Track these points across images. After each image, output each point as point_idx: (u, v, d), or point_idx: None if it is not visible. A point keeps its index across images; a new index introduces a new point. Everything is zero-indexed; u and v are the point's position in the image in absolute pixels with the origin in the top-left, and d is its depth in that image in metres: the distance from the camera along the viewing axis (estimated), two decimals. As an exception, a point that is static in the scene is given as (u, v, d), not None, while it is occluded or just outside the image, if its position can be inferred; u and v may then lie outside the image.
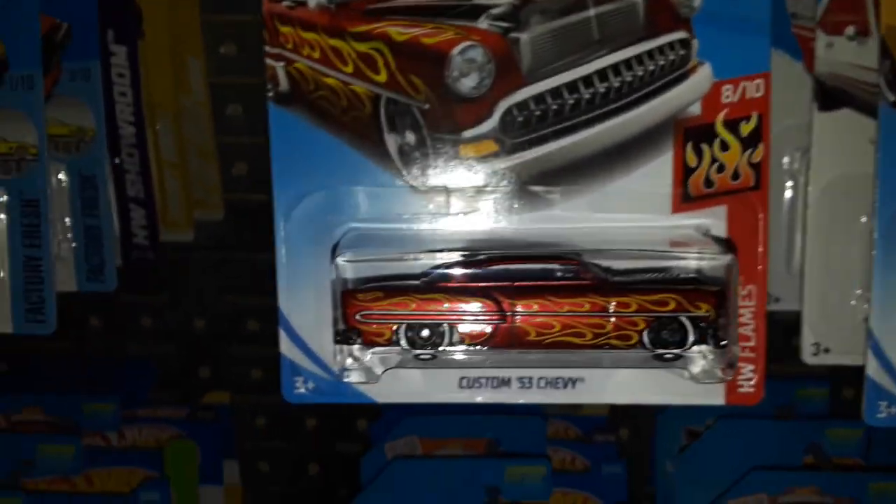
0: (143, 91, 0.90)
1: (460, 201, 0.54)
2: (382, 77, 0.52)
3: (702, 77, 0.52)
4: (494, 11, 0.51)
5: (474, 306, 0.52)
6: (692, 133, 0.53)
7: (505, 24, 0.51)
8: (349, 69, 0.53)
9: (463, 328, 0.52)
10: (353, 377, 0.54)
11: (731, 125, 0.53)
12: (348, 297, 0.53)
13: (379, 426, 1.09)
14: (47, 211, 0.70)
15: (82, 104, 0.81)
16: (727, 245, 0.53)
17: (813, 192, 0.65)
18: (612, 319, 0.52)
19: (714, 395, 0.56)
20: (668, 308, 0.52)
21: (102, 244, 0.84)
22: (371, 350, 0.54)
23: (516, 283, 0.52)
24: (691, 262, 0.53)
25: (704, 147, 0.53)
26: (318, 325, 0.55)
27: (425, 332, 0.52)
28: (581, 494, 1.04)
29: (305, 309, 0.55)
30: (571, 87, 0.52)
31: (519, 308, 0.52)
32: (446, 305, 0.52)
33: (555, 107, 0.52)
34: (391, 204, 0.54)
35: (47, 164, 0.70)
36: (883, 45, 0.55)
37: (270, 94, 0.53)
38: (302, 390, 0.56)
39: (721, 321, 0.52)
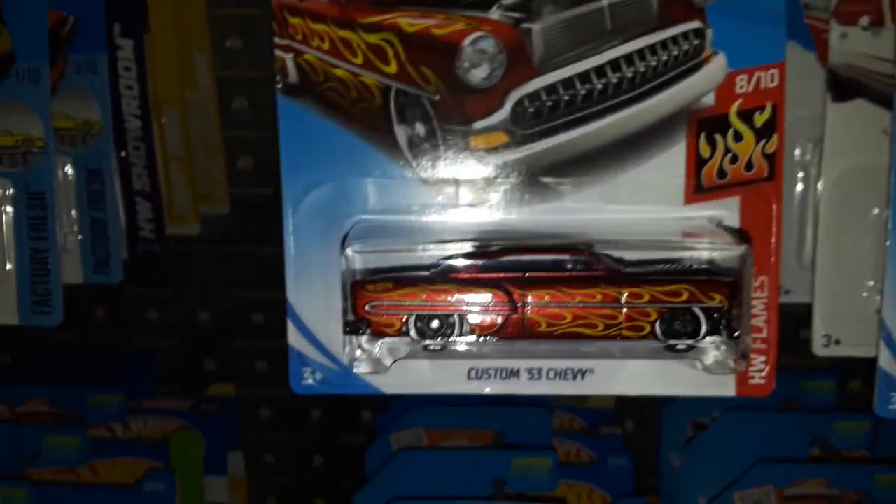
0: (149, 85, 0.90)
1: (470, 193, 0.54)
2: (392, 68, 0.52)
3: (716, 67, 0.52)
4: (506, 2, 0.51)
5: (485, 297, 0.52)
6: (706, 123, 0.52)
7: (517, 15, 0.51)
8: (359, 60, 0.52)
9: (473, 319, 0.52)
10: (362, 368, 0.54)
11: (745, 115, 0.52)
12: (358, 287, 0.52)
13: (384, 418, 1.09)
14: (53, 203, 0.70)
15: (88, 97, 0.81)
16: (741, 235, 0.53)
17: (825, 183, 0.64)
18: (624, 310, 0.51)
19: (725, 387, 0.56)
20: (681, 299, 0.51)
21: (108, 237, 0.83)
22: (380, 341, 0.53)
23: (527, 274, 0.52)
24: (704, 252, 0.53)
25: (718, 137, 0.52)
26: (326, 317, 0.55)
27: (435, 323, 0.52)
28: (586, 486, 1.04)
29: (314, 300, 0.55)
30: (584, 77, 0.51)
31: (530, 299, 0.52)
32: (456, 296, 0.52)
33: (567, 97, 0.52)
34: (400, 196, 0.54)
35: (53, 157, 0.70)
36: (898, 36, 0.55)
37: (279, 85, 0.53)
38: (310, 381, 0.56)
39: (734, 312, 0.52)
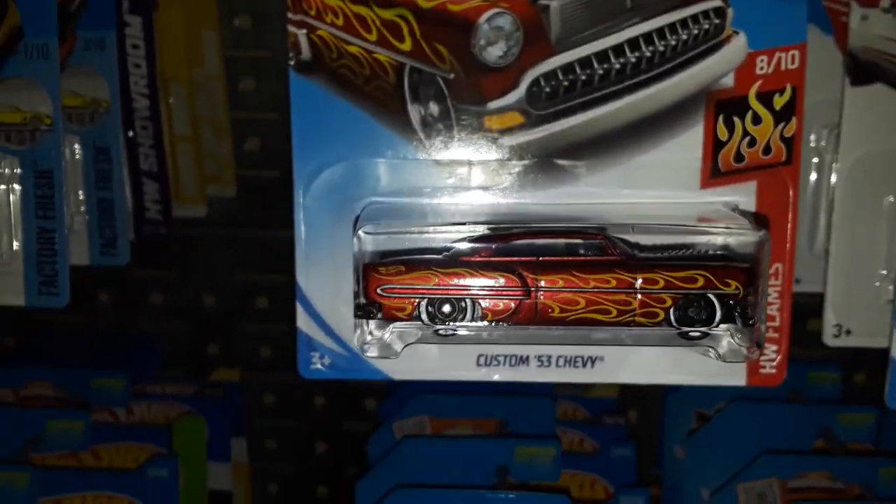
0: (157, 63, 0.89)
1: (483, 175, 0.53)
2: (407, 45, 0.51)
3: (736, 47, 0.51)
4: None
5: (498, 282, 0.51)
6: (724, 105, 0.52)
7: None
8: (373, 37, 0.51)
9: (485, 304, 0.51)
10: (373, 352, 0.53)
11: (765, 98, 0.52)
12: (370, 270, 0.52)
13: (388, 405, 1.09)
14: (61, 182, 0.69)
15: (97, 75, 0.80)
16: (758, 220, 0.52)
17: (841, 169, 0.64)
18: (639, 296, 0.51)
19: (735, 376, 0.55)
20: (696, 285, 0.51)
21: (115, 218, 0.83)
22: (391, 325, 0.53)
23: (541, 259, 0.51)
24: (720, 237, 0.52)
25: (736, 120, 0.52)
26: (335, 300, 0.54)
27: (447, 308, 0.51)
28: (589, 476, 1.04)
29: (323, 283, 0.54)
30: (601, 56, 0.51)
31: (543, 284, 0.51)
32: (469, 280, 0.51)
33: (583, 77, 0.51)
34: (413, 176, 0.53)
35: (62, 135, 0.69)
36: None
37: (292, 62, 0.52)
38: (318, 366, 0.55)
39: (750, 299, 0.51)
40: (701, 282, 0.51)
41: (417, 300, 0.51)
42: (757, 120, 0.52)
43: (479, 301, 0.51)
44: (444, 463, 0.94)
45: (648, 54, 0.52)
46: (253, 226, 1.10)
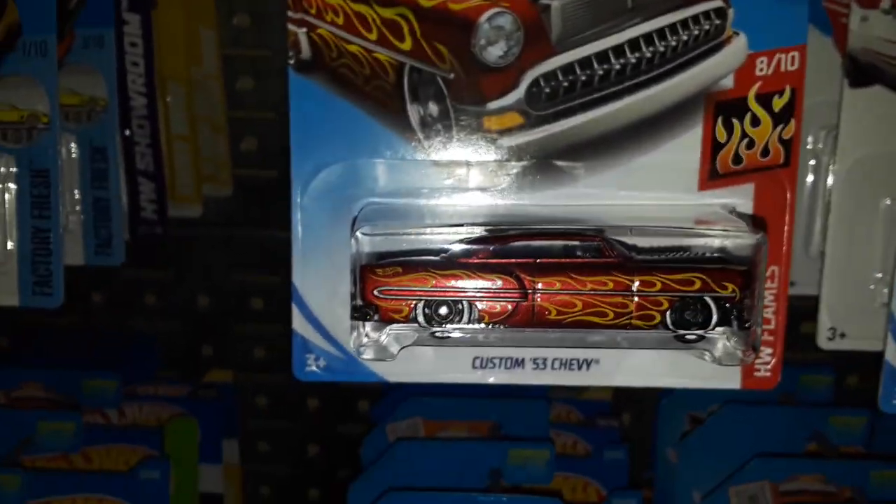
0: (155, 61, 0.88)
1: (481, 176, 0.53)
2: (407, 45, 0.51)
3: (736, 48, 0.51)
4: None
5: (495, 284, 0.51)
6: (723, 107, 0.52)
7: None
8: (373, 36, 0.51)
9: (482, 306, 0.51)
10: (369, 354, 0.53)
11: (764, 99, 0.52)
12: (367, 272, 0.52)
13: (381, 407, 1.09)
14: (57, 181, 0.68)
15: (95, 73, 0.80)
16: (755, 223, 0.52)
17: (838, 171, 0.64)
18: (636, 299, 0.51)
19: (730, 379, 0.55)
20: (693, 288, 0.51)
21: (111, 217, 0.82)
22: (387, 327, 0.53)
23: (538, 261, 0.51)
24: (717, 240, 0.52)
25: (735, 122, 0.52)
26: (332, 302, 0.54)
27: (444, 310, 0.51)
28: (582, 479, 1.04)
29: (320, 284, 0.54)
30: (601, 57, 0.51)
31: (540, 286, 0.51)
32: (466, 282, 0.51)
33: (583, 78, 0.51)
34: (411, 177, 0.53)
35: (59, 134, 0.68)
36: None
37: (291, 61, 0.52)
38: (313, 368, 0.55)
39: (746, 302, 0.51)
40: (698, 284, 0.51)
41: (414, 302, 0.51)
42: (756, 122, 0.52)
43: (476, 303, 0.51)
44: (437, 465, 0.94)
45: (649, 55, 0.52)
46: (249, 226, 1.10)
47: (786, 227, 0.53)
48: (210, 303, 1.15)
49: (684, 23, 0.51)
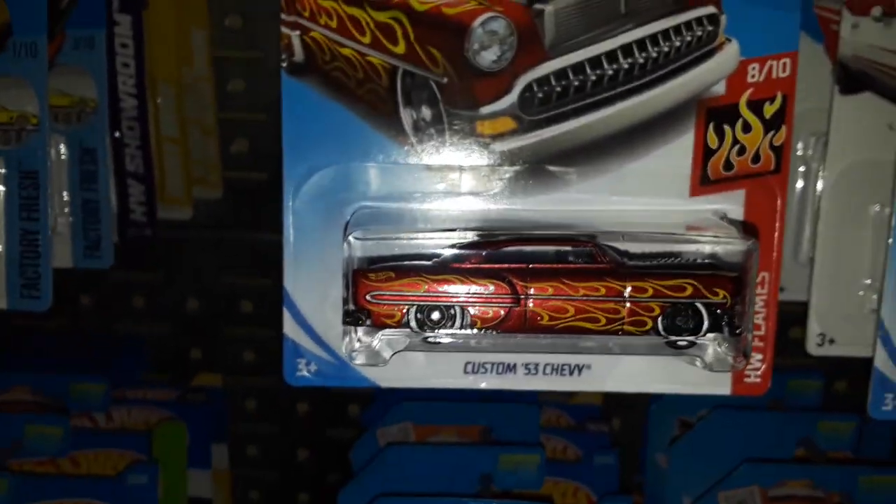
0: (146, 62, 0.88)
1: (474, 180, 0.53)
2: (401, 48, 0.51)
3: (728, 55, 0.51)
4: None
5: (487, 289, 0.51)
6: (715, 113, 0.52)
7: None
8: (367, 39, 0.51)
9: (475, 311, 0.51)
10: (361, 359, 0.53)
11: (755, 106, 0.52)
12: (359, 276, 0.51)
13: (371, 412, 1.08)
14: (47, 183, 0.68)
15: (85, 74, 0.79)
16: (746, 229, 0.53)
17: (827, 178, 0.64)
18: (628, 305, 0.51)
19: (720, 385, 0.55)
20: (684, 294, 0.51)
21: (100, 219, 0.82)
22: (379, 332, 0.52)
23: (531, 266, 0.51)
24: (709, 246, 0.53)
25: (726, 128, 0.52)
26: (323, 306, 0.54)
27: (436, 315, 0.51)
28: (572, 484, 1.04)
29: (311, 288, 0.54)
30: (594, 62, 0.51)
31: (533, 291, 0.51)
32: (459, 287, 0.51)
33: (576, 83, 0.51)
34: (404, 181, 0.53)
35: (48, 135, 0.68)
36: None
37: (284, 64, 0.52)
38: (304, 373, 0.55)
39: (737, 308, 0.51)
40: (689, 290, 0.51)
41: (407, 307, 0.51)
42: (747, 128, 0.52)
43: (469, 308, 0.51)
44: (427, 470, 0.93)
45: (641, 61, 0.52)
46: (239, 228, 1.09)
47: (776, 234, 0.53)
48: (199, 306, 1.14)
49: (677, 29, 0.51)
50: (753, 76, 0.51)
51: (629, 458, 1.09)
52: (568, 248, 0.52)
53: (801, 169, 0.71)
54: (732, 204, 0.53)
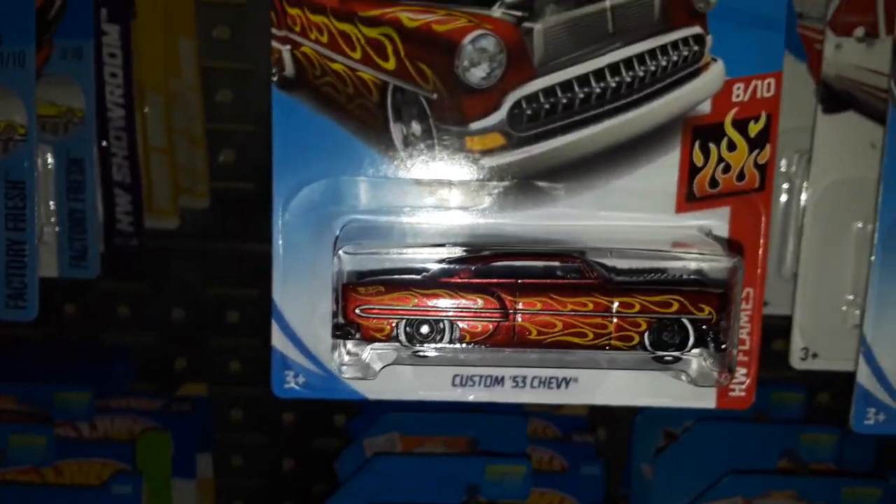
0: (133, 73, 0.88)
1: (463, 195, 0.53)
2: (391, 64, 0.51)
3: (714, 74, 0.52)
4: (509, 0, 0.51)
5: (476, 303, 0.51)
6: (701, 131, 0.52)
7: (518, 13, 0.51)
8: (357, 55, 0.51)
9: (464, 325, 0.51)
10: (350, 373, 0.53)
11: (740, 125, 0.52)
12: (349, 290, 0.52)
13: (358, 422, 1.08)
14: (33, 194, 0.67)
15: (73, 84, 0.79)
16: (731, 246, 0.53)
17: (811, 195, 0.65)
18: (615, 320, 0.51)
19: (705, 399, 0.56)
20: (670, 310, 0.51)
21: (86, 230, 0.81)
22: (368, 346, 0.53)
23: (520, 281, 0.52)
24: (694, 263, 0.53)
25: (712, 146, 0.53)
26: (312, 319, 0.54)
27: (425, 329, 0.51)
28: (558, 495, 1.04)
29: (300, 301, 0.54)
30: (582, 80, 0.51)
31: (521, 306, 0.51)
32: (448, 302, 0.51)
33: (564, 101, 0.51)
34: (393, 195, 0.53)
35: (35, 145, 0.68)
36: (895, 48, 0.55)
37: (275, 78, 0.52)
38: (293, 385, 0.55)
39: (722, 324, 0.52)
40: (675, 306, 0.51)
41: (396, 321, 0.51)
42: (732, 146, 0.53)
43: (458, 322, 0.51)
44: (414, 481, 0.94)
45: (629, 79, 0.52)
46: (226, 239, 1.09)
47: (760, 251, 0.54)
48: (185, 315, 1.14)
49: (664, 48, 0.52)
50: (738, 96, 0.52)
51: (615, 468, 1.09)
52: (556, 264, 0.52)
53: (785, 186, 0.72)
54: (718, 220, 0.54)
